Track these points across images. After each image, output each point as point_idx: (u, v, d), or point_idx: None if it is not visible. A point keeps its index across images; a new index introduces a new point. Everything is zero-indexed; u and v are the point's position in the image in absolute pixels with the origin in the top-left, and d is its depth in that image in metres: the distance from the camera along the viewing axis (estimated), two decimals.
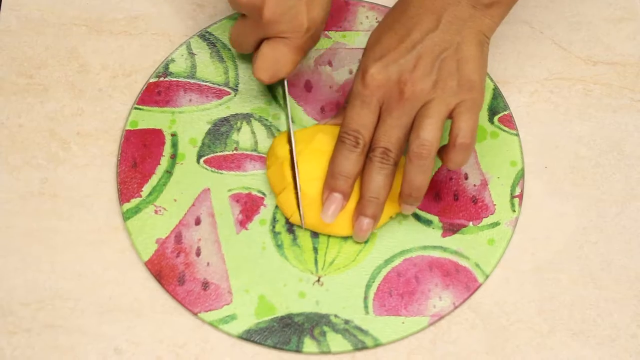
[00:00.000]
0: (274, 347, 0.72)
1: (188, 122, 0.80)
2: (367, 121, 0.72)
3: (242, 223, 0.76)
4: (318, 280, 0.74)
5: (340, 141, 0.73)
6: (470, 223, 0.76)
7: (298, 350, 0.71)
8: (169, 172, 0.78)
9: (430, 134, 0.70)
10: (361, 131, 0.72)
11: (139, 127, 0.79)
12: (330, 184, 0.73)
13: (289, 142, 0.76)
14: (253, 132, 0.80)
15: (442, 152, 0.72)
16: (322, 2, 0.74)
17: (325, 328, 0.72)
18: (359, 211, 0.73)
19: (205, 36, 0.84)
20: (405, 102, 0.70)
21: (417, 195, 0.72)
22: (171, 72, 0.82)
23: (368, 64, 0.71)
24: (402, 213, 0.75)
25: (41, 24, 0.84)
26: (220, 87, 0.81)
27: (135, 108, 0.80)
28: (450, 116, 0.71)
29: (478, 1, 0.72)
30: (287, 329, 0.72)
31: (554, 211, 0.77)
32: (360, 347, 0.72)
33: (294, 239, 0.75)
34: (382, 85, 0.71)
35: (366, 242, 0.75)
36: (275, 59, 0.74)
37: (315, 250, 0.75)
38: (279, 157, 0.76)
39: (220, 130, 0.80)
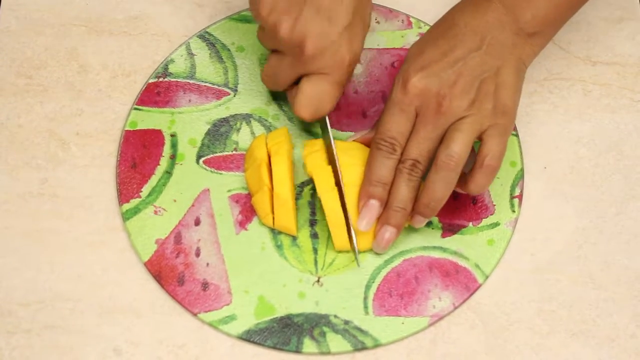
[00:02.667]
0: (274, 347, 0.72)
1: (187, 123, 0.80)
2: (404, 129, 0.72)
3: (242, 223, 0.76)
4: (318, 281, 0.74)
5: (376, 148, 0.72)
6: (470, 223, 0.76)
7: (298, 350, 0.71)
8: (168, 173, 0.78)
9: (460, 147, 0.70)
10: (398, 138, 0.72)
11: (138, 128, 0.79)
12: (368, 191, 0.72)
13: (335, 172, 0.73)
14: (252, 133, 0.80)
15: (464, 176, 0.72)
16: (362, 34, 0.73)
17: (325, 328, 0.72)
18: (383, 221, 0.73)
19: (205, 36, 0.84)
20: (440, 115, 0.70)
21: (434, 206, 0.72)
22: (170, 73, 0.82)
23: (410, 73, 0.71)
24: (412, 225, 0.74)
25: (41, 25, 0.84)
26: (220, 88, 0.81)
27: (135, 108, 0.80)
28: (480, 138, 0.71)
29: (521, 29, 0.73)
30: (286, 330, 0.72)
31: (553, 212, 0.77)
32: (360, 347, 0.72)
33: (294, 239, 0.75)
34: (421, 95, 0.71)
35: None
36: (317, 96, 0.73)
37: (315, 250, 0.75)
38: (257, 158, 0.76)
39: (219, 131, 0.79)
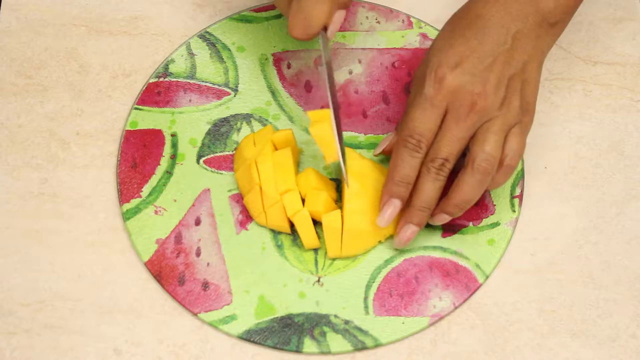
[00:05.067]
0: (274, 347, 0.72)
1: (188, 123, 0.80)
2: (434, 125, 0.71)
3: (242, 223, 0.76)
4: (318, 281, 0.74)
5: (403, 145, 0.71)
6: (470, 223, 0.76)
7: (298, 350, 0.71)
8: (168, 173, 0.78)
9: (495, 150, 0.70)
10: (426, 135, 0.71)
11: (138, 128, 0.79)
12: (391, 190, 0.71)
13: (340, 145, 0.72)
14: (253, 133, 0.79)
15: None
16: None
17: (325, 328, 0.72)
18: (406, 219, 0.72)
19: (205, 36, 0.84)
20: (474, 114, 0.70)
21: (464, 207, 0.72)
22: (171, 73, 0.82)
23: (444, 69, 0.71)
24: (433, 223, 0.74)
25: (41, 25, 0.84)
26: (220, 88, 0.81)
27: (135, 108, 0.80)
28: None
29: (545, 19, 0.72)
30: (287, 329, 0.72)
31: (553, 211, 0.77)
32: (360, 347, 0.72)
33: (294, 239, 0.75)
34: (455, 92, 0.70)
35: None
36: (304, 13, 0.71)
37: (315, 250, 0.75)
38: (247, 158, 0.76)
39: (220, 131, 0.79)
